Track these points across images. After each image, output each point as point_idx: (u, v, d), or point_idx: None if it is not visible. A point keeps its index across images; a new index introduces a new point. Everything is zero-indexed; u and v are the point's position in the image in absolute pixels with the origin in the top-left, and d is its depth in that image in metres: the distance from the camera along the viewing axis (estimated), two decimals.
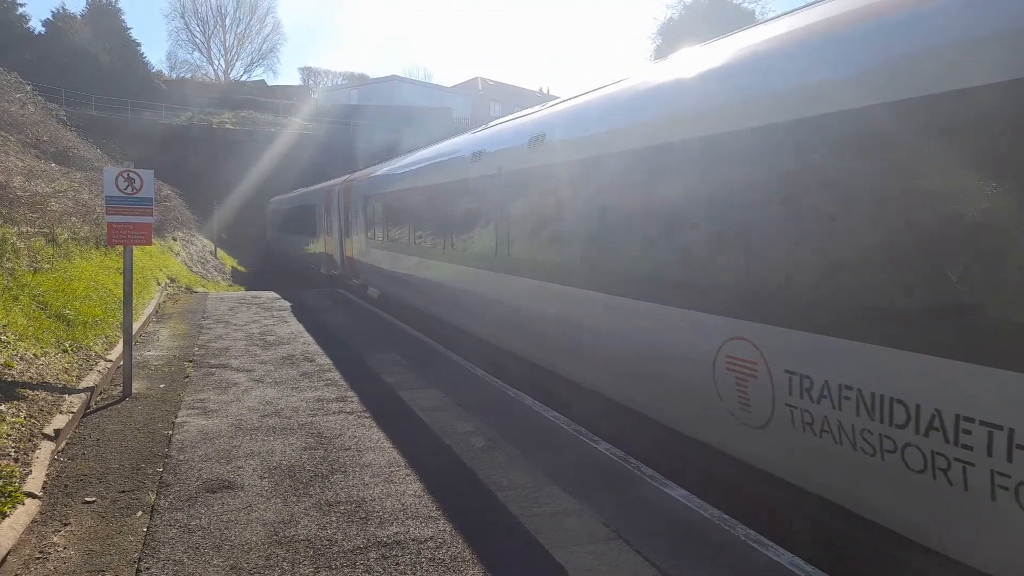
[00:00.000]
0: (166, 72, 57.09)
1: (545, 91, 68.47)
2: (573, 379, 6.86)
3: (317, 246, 21.03)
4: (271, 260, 32.05)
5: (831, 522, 4.04)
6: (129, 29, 43.45)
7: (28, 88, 23.41)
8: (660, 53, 30.76)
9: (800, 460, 4.11)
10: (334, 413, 6.60)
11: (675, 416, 5.31)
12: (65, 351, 7.73)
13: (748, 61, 4.65)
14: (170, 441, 5.72)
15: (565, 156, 6.78)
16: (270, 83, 63.31)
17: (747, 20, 29.18)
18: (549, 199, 7.01)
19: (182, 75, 59.34)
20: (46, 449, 5.17)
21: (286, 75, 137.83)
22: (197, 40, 66.05)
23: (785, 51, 4.36)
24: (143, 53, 45.15)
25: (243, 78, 64.71)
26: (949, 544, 3.34)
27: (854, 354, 3.61)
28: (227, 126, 39.91)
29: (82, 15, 41.45)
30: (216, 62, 66.83)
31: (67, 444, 5.63)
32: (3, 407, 5.54)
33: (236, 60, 67.88)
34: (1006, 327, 2.99)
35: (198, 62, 68.40)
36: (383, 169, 14.87)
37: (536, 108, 8.60)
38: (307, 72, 74.18)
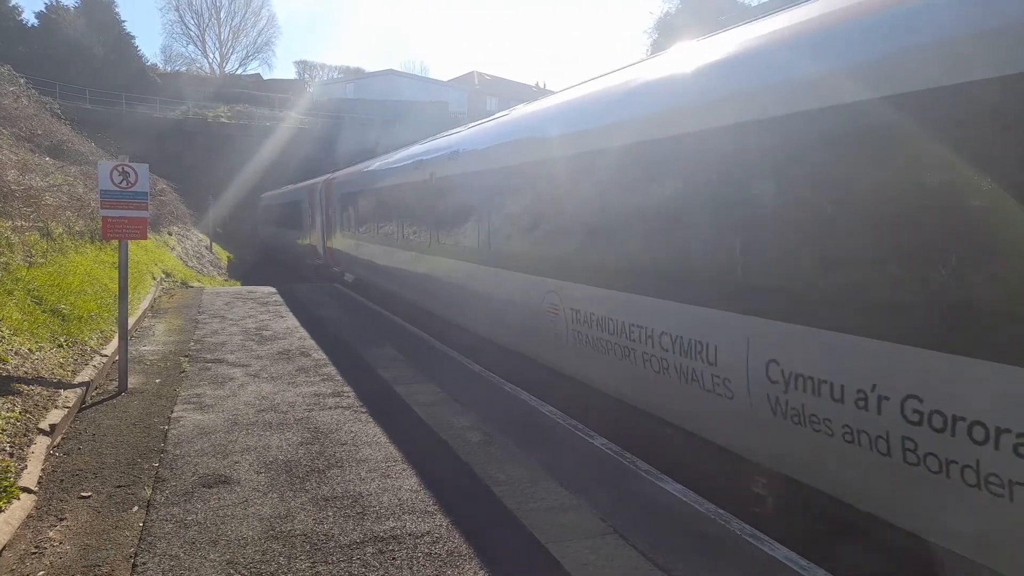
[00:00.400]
0: (161, 66, 56.84)
1: (542, 86, 68.32)
2: (468, 327, 9.63)
3: (303, 239, 22.49)
4: (265, 254, 32.19)
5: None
6: (123, 22, 43.33)
7: (22, 81, 23.25)
8: (657, 47, 30.72)
9: (581, 364, 6.45)
10: (330, 408, 6.60)
11: (522, 344, 7.80)
12: (60, 346, 7.71)
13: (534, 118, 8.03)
14: (166, 436, 5.71)
15: (467, 168, 9.21)
16: (265, 77, 63.12)
17: (743, 14, 29.15)
18: (460, 200, 9.41)
19: (177, 68, 59.05)
20: (41, 444, 5.16)
21: (281, 69, 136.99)
22: (192, 33, 65.82)
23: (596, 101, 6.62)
24: (137, 46, 44.99)
25: (238, 72, 64.51)
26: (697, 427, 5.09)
27: (596, 295, 5.99)
28: (222, 120, 39.77)
29: (75, 7, 41.21)
30: (211, 55, 66.59)
31: (62, 439, 5.61)
32: None
33: (231, 54, 67.65)
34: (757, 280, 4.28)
35: (193, 55, 68.18)
36: (355, 170, 16.88)
37: (459, 128, 11.01)
38: (303, 66, 73.92)
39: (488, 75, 68.21)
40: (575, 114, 6.80)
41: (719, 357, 4.51)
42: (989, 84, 2.98)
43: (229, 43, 66.95)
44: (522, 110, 8.80)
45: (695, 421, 5.05)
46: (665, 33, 30.12)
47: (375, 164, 15.33)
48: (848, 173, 3.68)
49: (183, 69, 59.47)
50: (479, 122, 10.09)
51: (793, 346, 3.96)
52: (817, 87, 3.84)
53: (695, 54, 5.25)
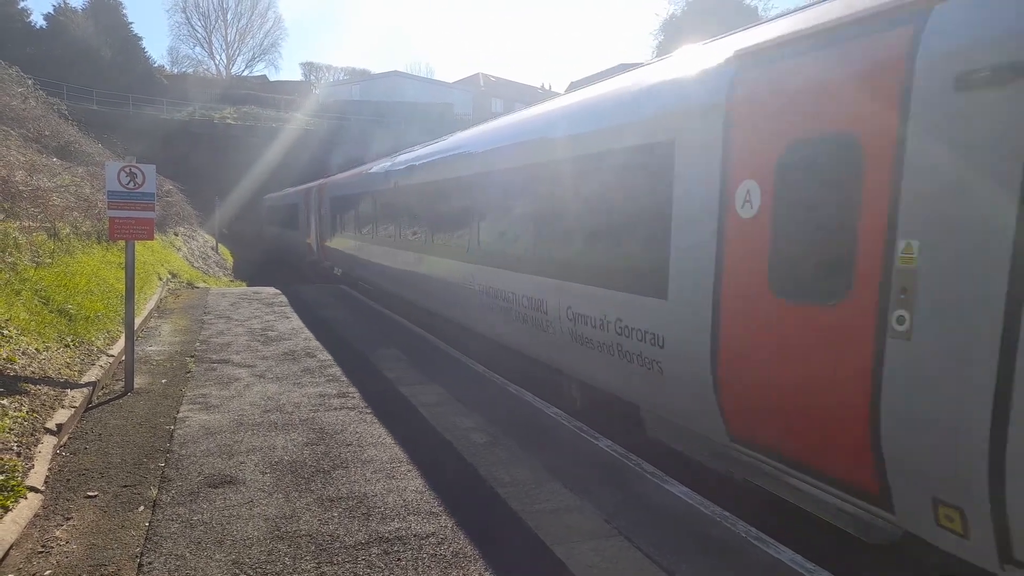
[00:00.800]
0: (167, 67, 57.08)
1: (547, 87, 68.31)
2: (419, 303, 12.02)
3: (299, 237, 24.24)
4: (268, 253, 32.54)
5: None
6: (130, 23, 43.38)
7: (29, 82, 23.39)
8: (662, 49, 30.70)
9: (486, 323, 8.66)
10: (335, 409, 6.61)
11: (456, 314, 10.02)
12: (67, 346, 7.74)
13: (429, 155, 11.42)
14: (172, 436, 5.73)
15: (416, 180, 11.61)
16: (271, 78, 63.27)
17: (750, 14, 29.10)
18: (413, 204, 11.76)
19: (183, 70, 59.32)
20: (48, 444, 5.18)
21: (287, 70, 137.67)
22: (198, 35, 66.06)
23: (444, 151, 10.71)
24: (144, 48, 45.12)
25: (244, 73, 64.70)
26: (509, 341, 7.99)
27: (491, 273, 8.24)
28: (228, 121, 39.87)
29: (83, 9, 41.37)
30: (218, 57, 66.83)
31: (69, 439, 5.64)
32: (5, 401, 5.55)
33: (237, 55, 67.90)
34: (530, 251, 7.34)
35: (199, 57, 68.64)
36: (341, 176, 18.83)
37: (417, 146, 13.20)
38: (308, 67, 74.15)
39: (493, 76, 68.26)
40: (463, 150, 9.98)
41: (547, 307, 6.90)
42: (636, 149, 5.48)
43: (235, 45, 67.25)
44: (448, 141, 11.27)
45: (538, 350, 7.41)
46: (671, 35, 30.10)
47: (356, 172, 17.50)
48: (570, 195, 6.56)
49: (190, 71, 59.78)
50: (427, 143, 12.60)
51: (577, 296, 6.34)
52: (389, 175, 10.18)
53: (506, 124, 8.88)
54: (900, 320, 3.40)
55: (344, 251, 17.68)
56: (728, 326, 4.45)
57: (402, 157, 13.33)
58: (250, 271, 27.81)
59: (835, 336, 3.73)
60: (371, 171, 15.41)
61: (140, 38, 44.34)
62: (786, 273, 4.06)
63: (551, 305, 6.74)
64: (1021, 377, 2.91)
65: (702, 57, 4.99)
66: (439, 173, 10.42)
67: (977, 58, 3.06)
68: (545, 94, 67.01)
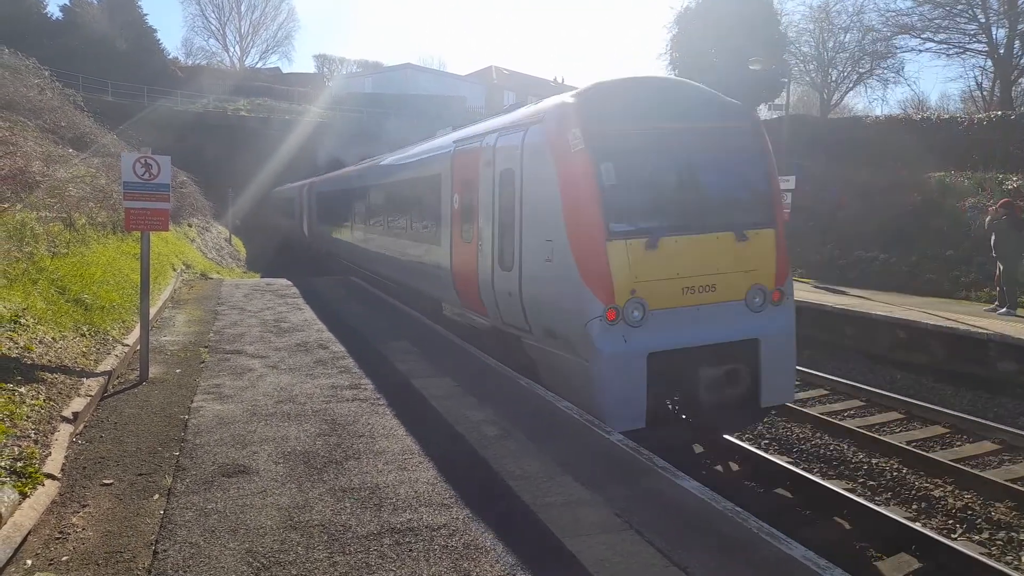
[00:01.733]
0: (182, 59, 57.33)
1: (560, 81, 68.05)
2: (356, 263, 18.01)
3: (296, 225, 28.27)
4: (277, 242, 33.06)
5: None
6: (145, 15, 43.64)
7: (46, 74, 23.57)
8: (676, 41, 30.45)
9: (381, 270, 15.21)
10: (348, 400, 6.64)
11: (363, 265, 16.79)
12: (83, 335, 7.82)
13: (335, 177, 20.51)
14: (186, 425, 5.78)
15: (350, 185, 18.05)
16: (285, 70, 63.46)
17: (760, 5, 28.75)
18: (346, 202, 18.34)
19: (198, 62, 59.55)
20: (65, 431, 5.24)
21: (301, 63, 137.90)
22: (212, 27, 66.30)
23: (343, 175, 19.82)
24: (159, 40, 45.34)
25: (258, 65, 64.91)
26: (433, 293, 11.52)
27: (360, 238, 16.49)
28: (242, 113, 39.99)
29: (99, 1, 41.62)
30: (231, 49, 67.06)
31: (85, 427, 5.70)
32: (23, 389, 5.62)
33: (251, 47, 68.10)
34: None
35: (213, 49, 68.54)
36: (322, 178, 23.96)
37: (351, 166, 20.16)
38: (321, 60, 74.19)
39: (506, 70, 68.07)
40: (336, 179, 19.46)
41: (404, 255, 12.42)
42: (431, 177, 10.93)
43: (249, 37, 67.44)
44: (367, 162, 18.00)
45: (400, 278, 13.23)
46: (685, 28, 29.83)
47: (329, 175, 23.15)
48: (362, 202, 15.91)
49: (204, 63, 59.98)
50: (363, 160, 19.59)
51: (415, 248, 11.71)
52: (348, 179, 18.21)
53: (355, 170, 18.12)
54: (481, 248, 8.47)
55: (322, 235, 22.73)
56: (454, 255, 9.61)
57: (344, 170, 20.62)
58: (263, 263, 27.95)
59: (472, 257, 8.76)
60: (333, 176, 21.84)
61: (155, 30, 44.60)
62: (462, 231, 9.27)
63: (404, 254, 12.66)
64: (521, 271, 7.44)
65: (446, 139, 10.80)
66: (361, 181, 16.83)
67: (537, 142, 7.30)
68: (558, 87, 66.77)
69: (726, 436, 7.76)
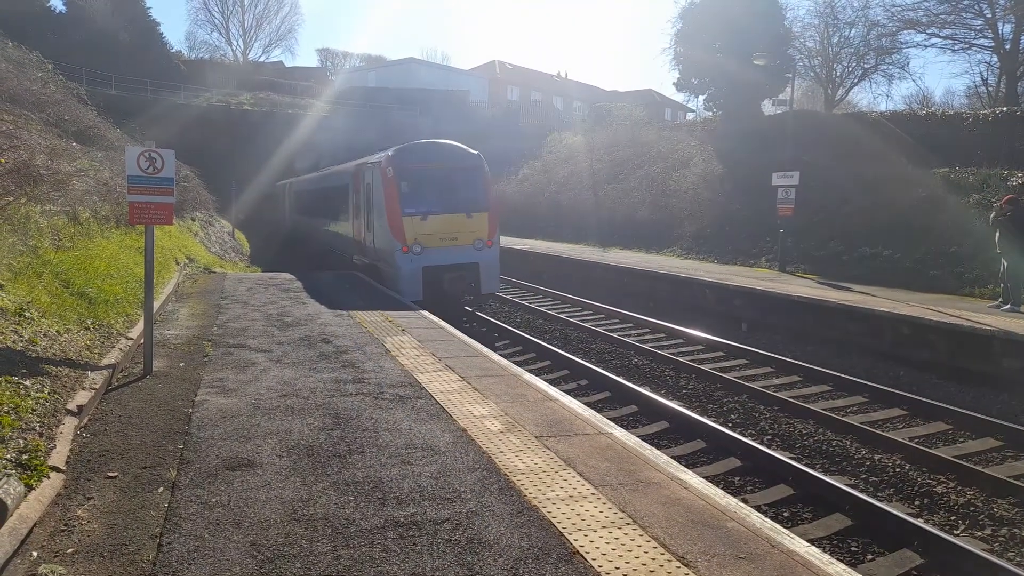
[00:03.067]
0: (185, 53, 57.22)
1: (563, 75, 67.89)
2: (311, 240, 24.95)
3: (281, 216, 33.23)
4: (269, 231, 33.84)
5: None
6: (149, 9, 43.51)
7: (49, 67, 23.52)
8: (680, 36, 30.33)
9: (325, 242, 22.16)
10: (351, 394, 6.66)
11: (323, 242, 22.48)
12: (87, 328, 7.84)
13: (306, 178, 27.12)
14: (190, 419, 5.80)
15: (304, 187, 26.77)
16: (288, 64, 63.33)
17: (769, 4, 28.61)
18: (313, 198, 24.84)
19: (201, 56, 59.45)
20: (69, 424, 5.26)
21: (304, 57, 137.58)
22: (216, 20, 66.08)
23: (306, 179, 26.71)
24: (162, 33, 45.23)
25: (261, 59, 64.76)
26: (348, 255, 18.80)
27: (322, 223, 22.39)
28: (245, 107, 39.96)
29: None
30: (235, 43, 66.88)
31: (89, 420, 5.72)
32: (28, 383, 5.63)
33: (254, 41, 67.88)
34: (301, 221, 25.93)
35: (217, 43, 68.41)
36: (299, 178, 29.17)
37: (317, 171, 25.85)
38: (325, 54, 74.14)
39: (509, 64, 67.92)
40: (303, 181, 26.91)
41: (336, 232, 19.82)
42: (342, 187, 18.99)
43: (252, 31, 67.21)
44: (314, 173, 25.26)
45: (332, 246, 20.48)
46: (689, 22, 29.70)
47: (300, 177, 28.91)
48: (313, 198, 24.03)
49: (207, 57, 59.87)
50: (321, 169, 25.48)
51: (336, 227, 19.81)
52: (309, 182, 25.45)
53: (311, 176, 25.71)
54: (361, 223, 16.63)
55: (297, 222, 28.49)
56: (353, 228, 17.12)
57: (309, 175, 26.71)
58: (267, 257, 27.97)
59: (361, 228, 16.56)
60: (300, 179, 28.46)
61: (158, 23, 44.48)
62: (356, 214, 17.07)
63: (334, 230, 19.74)
64: (374, 233, 15.58)
65: (352, 164, 17.90)
66: (309, 185, 25.21)
67: (377, 171, 15.16)
68: (561, 82, 66.63)
69: (468, 308, 15.39)
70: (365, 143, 38.26)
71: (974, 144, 20.28)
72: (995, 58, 29.40)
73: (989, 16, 27.64)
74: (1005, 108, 21.94)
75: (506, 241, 25.55)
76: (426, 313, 11.59)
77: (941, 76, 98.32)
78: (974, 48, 29.82)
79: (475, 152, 15.47)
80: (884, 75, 35.53)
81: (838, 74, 36.15)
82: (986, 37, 28.68)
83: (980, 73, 33.15)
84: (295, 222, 29.10)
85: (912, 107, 35.75)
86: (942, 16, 28.88)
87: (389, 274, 14.79)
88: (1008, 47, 27.61)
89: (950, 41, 29.83)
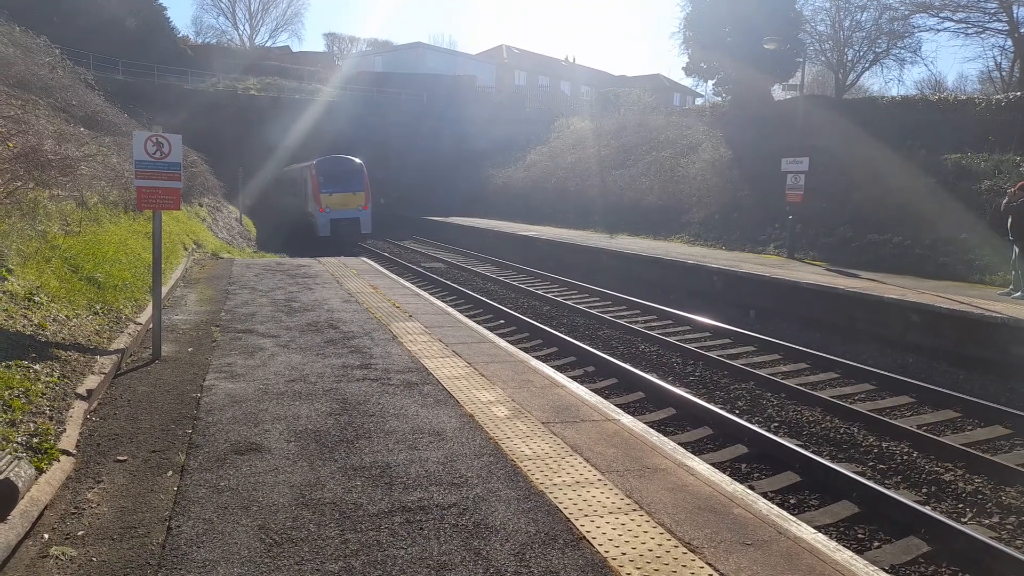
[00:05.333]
0: (192, 37, 57.08)
1: (571, 60, 67.35)
2: (283, 219, 33.52)
3: (286, 202, 36.72)
4: (294, 227, 34.67)
5: None
6: None
7: (57, 52, 23.50)
8: (689, 20, 30.03)
9: (292, 219, 32.12)
10: (358, 380, 6.68)
11: (285, 220, 32.56)
12: (96, 313, 7.88)
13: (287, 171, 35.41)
14: (199, 403, 5.83)
15: (285, 177, 34.71)
16: (295, 49, 63.08)
17: None
18: (284, 187, 34.53)
19: (208, 40, 59.33)
20: (79, 408, 5.30)
21: (311, 41, 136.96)
22: (222, 5, 65.85)
23: (289, 170, 34.25)
24: (169, 18, 45.13)
25: (268, 44, 64.56)
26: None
27: (294, 203, 32.10)
28: (252, 92, 39.88)
29: None
30: (241, 28, 66.70)
31: (99, 404, 5.76)
32: (38, 367, 5.67)
33: (261, 25, 67.69)
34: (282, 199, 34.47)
35: (223, 27, 68.25)
36: (281, 170, 34.87)
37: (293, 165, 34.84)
38: (332, 38, 73.83)
39: (517, 49, 67.47)
40: (287, 171, 34.16)
41: (303, 211, 29.85)
42: (299, 179, 31.26)
43: (259, 15, 67.02)
44: (289, 167, 34.27)
45: (293, 220, 31.08)
46: (699, 6, 29.39)
47: (282, 169, 34.70)
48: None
49: (214, 41, 59.76)
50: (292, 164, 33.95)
51: (298, 205, 30.70)
52: (287, 175, 34.05)
53: (290, 168, 34.03)
54: (310, 203, 28.82)
55: (278, 204, 34.06)
56: (307, 207, 28.85)
57: (288, 167, 33.99)
58: (274, 243, 28.05)
59: (313, 206, 28.20)
60: (282, 170, 34.38)
61: (165, 8, 44.36)
62: (308, 196, 28.75)
63: (298, 209, 30.21)
64: (312, 207, 28.71)
65: (310, 163, 29.07)
66: (287, 175, 33.50)
67: (311, 170, 28.82)
68: (568, 66, 66.14)
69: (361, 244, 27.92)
70: (369, 128, 39.41)
71: (987, 129, 20.04)
72: (1009, 42, 29.00)
73: None
74: (1019, 93, 21.66)
75: (512, 227, 29.87)
76: (367, 259, 12.06)
77: (954, 60, 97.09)
78: (988, 32, 29.44)
79: (359, 160, 28.99)
80: (896, 59, 35.10)
81: (849, 58, 35.73)
82: (1000, 20, 28.29)
83: (994, 57, 32.89)
84: (276, 204, 36.46)
85: (924, 92, 35.36)
86: None
87: (314, 224, 27.84)
88: (1023, 31, 27.21)
89: (963, 25, 29.45)
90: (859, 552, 5.29)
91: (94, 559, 3.49)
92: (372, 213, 28.67)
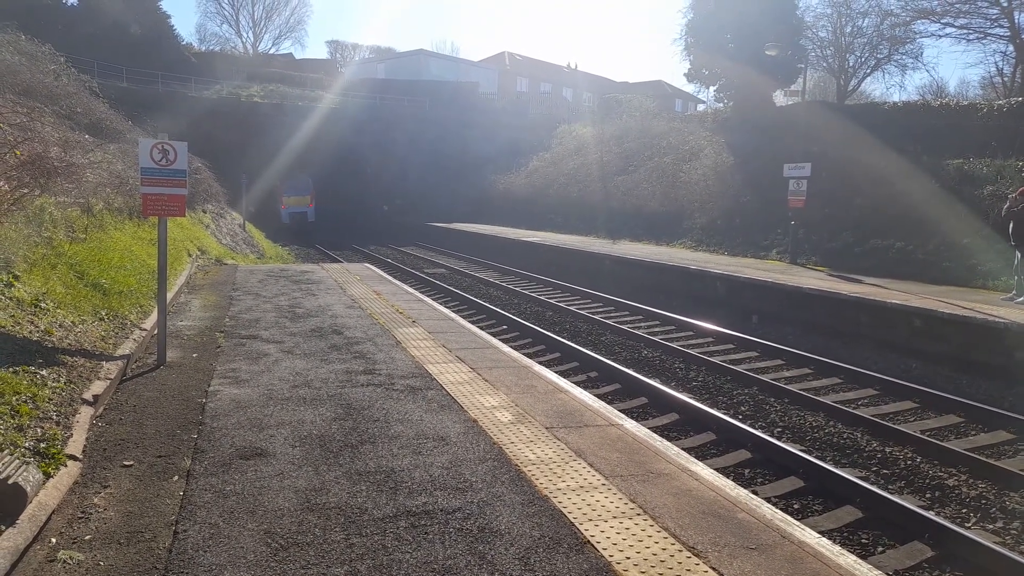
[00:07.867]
0: (196, 45, 57.40)
1: (573, 66, 67.58)
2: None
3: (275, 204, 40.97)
4: (296, 234, 35.68)
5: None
6: (160, 1, 43.62)
7: (62, 59, 23.59)
8: (691, 26, 30.13)
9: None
10: (362, 385, 6.70)
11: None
12: (101, 319, 7.92)
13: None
14: (204, 409, 5.86)
15: (273, 183, 40.16)
16: (297, 56, 63.42)
17: None
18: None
19: (211, 48, 59.60)
20: (85, 414, 5.33)
21: (313, 49, 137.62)
22: (226, 12, 66.27)
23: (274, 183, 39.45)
24: (173, 26, 45.38)
25: (271, 51, 64.88)
26: None
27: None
28: (256, 99, 40.05)
29: None
30: (244, 35, 67.03)
31: (105, 409, 5.79)
32: (45, 372, 5.71)
33: (264, 33, 68.04)
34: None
35: (227, 35, 68.62)
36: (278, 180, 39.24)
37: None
38: (334, 46, 74.06)
39: (519, 55, 67.68)
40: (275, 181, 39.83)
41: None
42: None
43: (262, 23, 67.35)
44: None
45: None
46: (701, 12, 29.49)
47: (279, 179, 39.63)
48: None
49: (217, 49, 60.01)
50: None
51: (279, 211, 38.38)
52: (273, 185, 38.84)
53: (275, 182, 38.93)
54: (277, 203, 37.72)
55: (268, 207, 36.61)
56: (279, 206, 37.80)
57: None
58: (277, 250, 28.10)
59: (277, 206, 37.61)
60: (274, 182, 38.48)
61: (169, 16, 44.55)
62: (278, 201, 37.56)
63: (282, 208, 37.93)
64: (282, 205, 38.21)
65: (281, 180, 38.12)
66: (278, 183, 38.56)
67: (279, 184, 37.69)
68: (570, 73, 66.32)
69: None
70: (371, 134, 40.53)
71: (988, 135, 20.06)
72: (1011, 48, 29.05)
73: (1005, 5, 27.29)
74: (1021, 98, 21.69)
75: (515, 233, 29.67)
76: (370, 265, 11.67)
77: (955, 66, 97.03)
78: (989, 37, 29.50)
79: (308, 177, 37.55)
80: (897, 65, 35.20)
81: (851, 64, 35.85)
82: (1002, 26, 28.34)
83: (995, 63, 32.94)
84: (269, 205, 41.06)
85: (926, 97, 35.36)
86: (957, 5, 28.56)
87: (281, 216, 36.46)
88: None
89: (965, 30, 29.51)
90: (863, 557, 5.28)
91: (101, 563, 3.51)
92: (316, 210, 38.31)
